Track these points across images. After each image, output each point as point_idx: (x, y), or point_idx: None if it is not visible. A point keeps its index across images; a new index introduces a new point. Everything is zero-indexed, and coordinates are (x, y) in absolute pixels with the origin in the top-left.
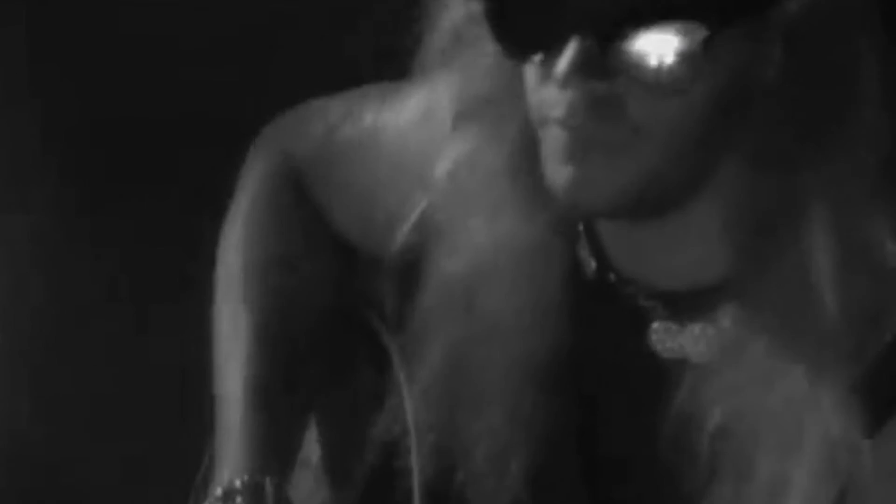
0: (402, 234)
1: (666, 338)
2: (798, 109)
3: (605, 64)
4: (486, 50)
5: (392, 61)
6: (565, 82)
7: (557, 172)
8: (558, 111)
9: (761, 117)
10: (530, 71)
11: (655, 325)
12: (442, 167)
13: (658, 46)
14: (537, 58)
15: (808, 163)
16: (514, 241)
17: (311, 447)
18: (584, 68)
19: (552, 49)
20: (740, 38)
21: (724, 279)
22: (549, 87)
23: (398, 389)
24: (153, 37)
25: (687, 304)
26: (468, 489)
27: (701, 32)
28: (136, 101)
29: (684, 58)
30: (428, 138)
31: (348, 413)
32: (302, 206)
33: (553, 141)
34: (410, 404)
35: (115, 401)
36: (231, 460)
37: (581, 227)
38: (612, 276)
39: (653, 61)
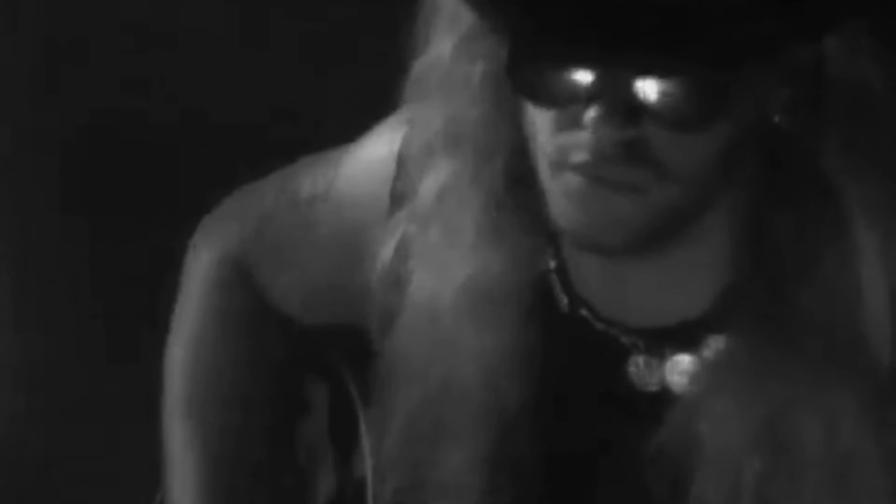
0: (382, 260)
1: (646, 372)
2: (833, 148)
3: (633, 108)
4: (472, 81)
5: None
6: (596, 128)
7: (575, 214)
8: (582, 156)
9: (770, 153)
10: (546, 116)
11: (635, 359)
12: (424, 193)
13: (682, 88)
14: (561, 104)
15: (855, 194)
16: (489, 277)
17: None
18: (615, 114)
19: (578, 96)
20: (755, 79)
21: (709, 312)
22: (571, 133)
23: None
24: (154, 36)
25: (668, 339)
26: None
27: (721, 74)
28: (134, 101)
29: (707, 98)
30: (372, 195)
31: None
32: (247, 309)
33: (571, 184)
34: (378, 441)
35: (116, 401)
36: None
37: (553, 266)
38: (584, 312)
39: (677, 104)
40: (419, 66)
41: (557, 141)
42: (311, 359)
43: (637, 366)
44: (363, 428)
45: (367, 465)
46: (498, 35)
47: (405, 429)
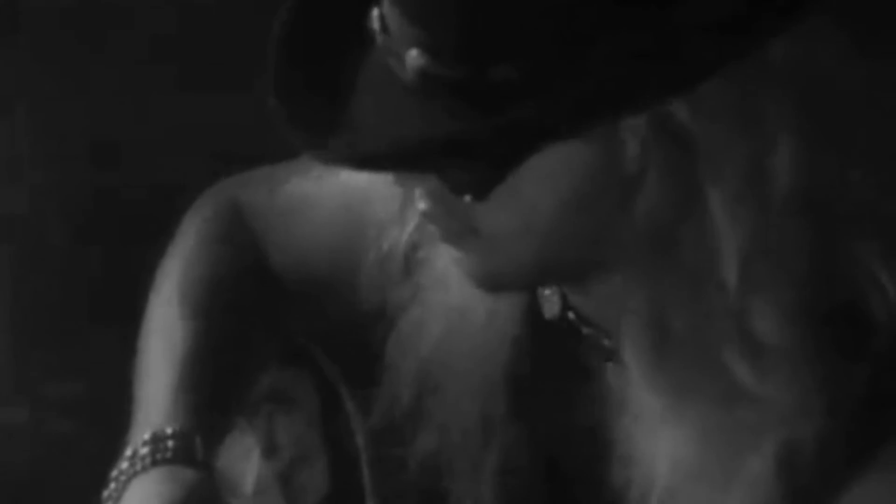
0: (406, 234)
1: (620, 380)
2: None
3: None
4: None
5: None
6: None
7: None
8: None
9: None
10: None
11: (610, 365)
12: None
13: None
14: None
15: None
16: None
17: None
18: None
19: None
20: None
21: None
22: None
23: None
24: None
25: None
26: (451, 483)
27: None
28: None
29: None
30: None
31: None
32: (243, 250)
33: None
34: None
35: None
36: (161, 410)
37: None
38: (570, 315)
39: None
40: None
41: None
42: (294, 350)
43: (611, 372)
44: (355, 425)
45: (363, 461)
46: None
47: (421, 378)
